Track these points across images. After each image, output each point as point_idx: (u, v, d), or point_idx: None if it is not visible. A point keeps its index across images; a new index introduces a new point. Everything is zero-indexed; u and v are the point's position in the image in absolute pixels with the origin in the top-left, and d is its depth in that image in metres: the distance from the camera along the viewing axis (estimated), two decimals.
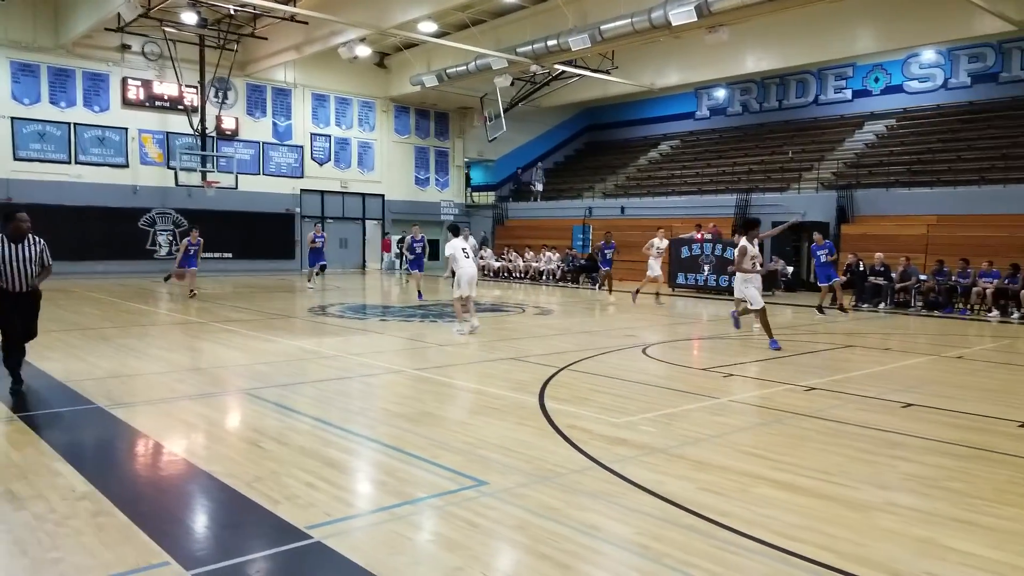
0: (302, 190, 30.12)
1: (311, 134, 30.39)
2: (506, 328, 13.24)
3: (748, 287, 11.35)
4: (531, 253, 28.04)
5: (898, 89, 27.51)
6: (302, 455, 5.43)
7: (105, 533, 4.00)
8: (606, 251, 19.82)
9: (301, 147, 30.10)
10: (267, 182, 29.21)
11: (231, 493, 4.65)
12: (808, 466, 5.33)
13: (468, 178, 36.12)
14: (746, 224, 11.92)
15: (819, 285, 16.53)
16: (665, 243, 18.64)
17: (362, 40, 24.06)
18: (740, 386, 8.34)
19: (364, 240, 32.29)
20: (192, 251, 17.74)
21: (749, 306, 11.43)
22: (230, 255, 27.87)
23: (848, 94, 28.95)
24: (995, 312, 16.37)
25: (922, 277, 18.16)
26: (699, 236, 21.94)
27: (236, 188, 27.49)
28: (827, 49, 23.79)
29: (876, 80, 28.08)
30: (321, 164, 30.74)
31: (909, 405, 7.30)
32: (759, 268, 11.61)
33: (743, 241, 11.42)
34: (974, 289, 16.91)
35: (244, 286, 22.01)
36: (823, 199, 23.25)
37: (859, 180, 23.59)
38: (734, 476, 5.06)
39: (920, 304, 17.76)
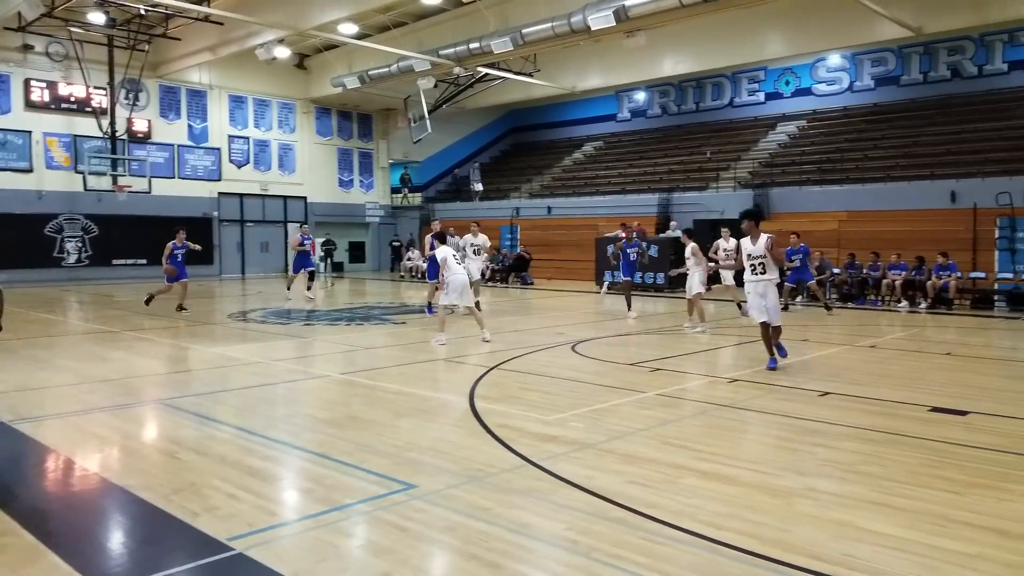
0: (220, 193, 29.24)
1: (229, 136, 29.54)
2: (435, 329, 13.12)
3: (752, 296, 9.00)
4: (459, 253, 27.91)
5: (807, 92, 28.59)
6: (222, 465, 5.25)
7: (7, 555, 3.76)
8: (629, 250, 15.64)
9: (218, 149, 29.22)
10: (183, 185, 28.23)
11: (147, 507, 4.45)
12: (732, 455, 5.46)
13: (407, 179, 35.63)
14: (746, 215, 9.13)
15: (789, 285, 15.91)
16: (732, 243, 14.05)
17: (280, 41, 23.54)
18: (666, 380, 8.48)
19: (286, 244, 31.55)
20: (179, 256, 15.47)
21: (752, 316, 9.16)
22: (144, 261, 26.80)
23: (761, 96, 29.93)
24: (904, 303, 17.17)
25: (835, 271, 18.90)
26: (623, 235, 22.23)
27: (149, 192, 26.45)
28: (740, 53, 24.56)
29: (787, 83, 29.12)
30: (240, 166, 29.91)
31: (826, 394, 7.56)
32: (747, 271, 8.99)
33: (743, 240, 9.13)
34: (884, 281, 17.72)
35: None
36: (740, 197, 23.91)
37: (773, 179, 24.38)
38: (661, 468, 5.13)
39: (835, 296, 18.49)
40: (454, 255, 11.40)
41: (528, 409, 6.93)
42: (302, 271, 19.10)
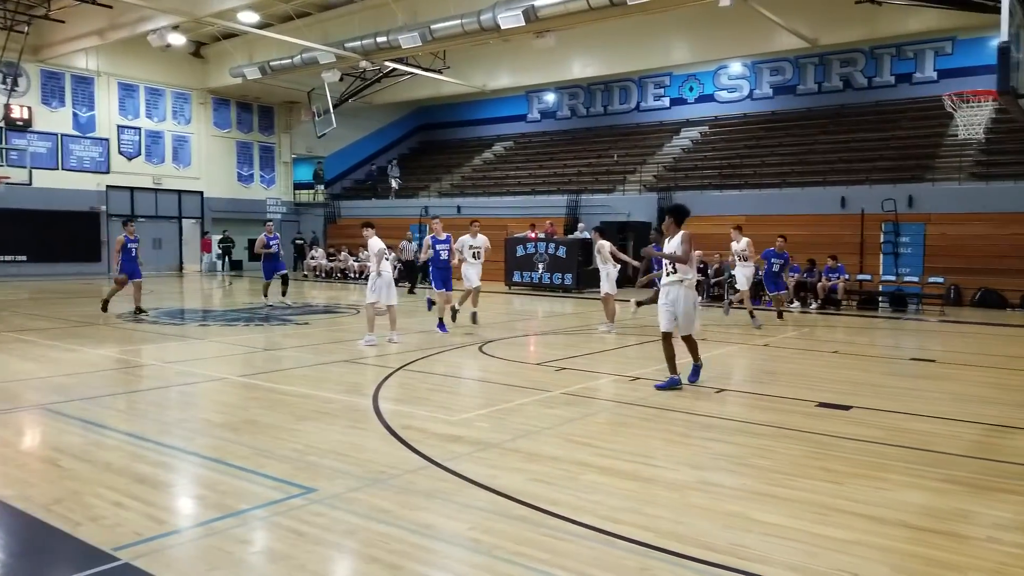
0: (108, 186, 27.78)
1: (118, 126, 28.10)
2: (340, 330, 12.91)
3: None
4: (365, 252, 27.49)
5: (710, 98, 29.63)
6: (108, 472, 4.99)
7: None
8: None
9: (107, 140, 27.76)
10: (67, 177, 26.68)
11: (25, 518, 4.19)
12: (631, 451, 5.59)
13: (320, 174, 34.74)
14: (667, 212, 8.24)
15: (769, 294, 15.54)
16: (743, 242, 14.30)
17: (175, 27, 22.55)
18: (571, 378, 8.59)
19: (181, 240, 30.31)
20: (133, 250, 14.24)
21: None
22: (24, 258, 25.29)
23: (666, 102, 30.80)
24: (796, 303, 17.99)
25: (732, 273, 19.60)
26: (533, 235, 22.48)
27: (30, 184, 24.83)
28: (646, 59, 25.23)
29: (691, 89, 30.08)
30: (130, 159, 28.51)
31: (721, 390, 7.84)
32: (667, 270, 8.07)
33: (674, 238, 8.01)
34: None
35: (42, 291, 19.99)
36: (646, 200, 24.57)
37: (677, 183, 25.13)
38: (564, 465, 5.20)
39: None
40: (384, 249, 11.09)
41: (433, 410, 6.90)
42: (275, 275, 16.71)
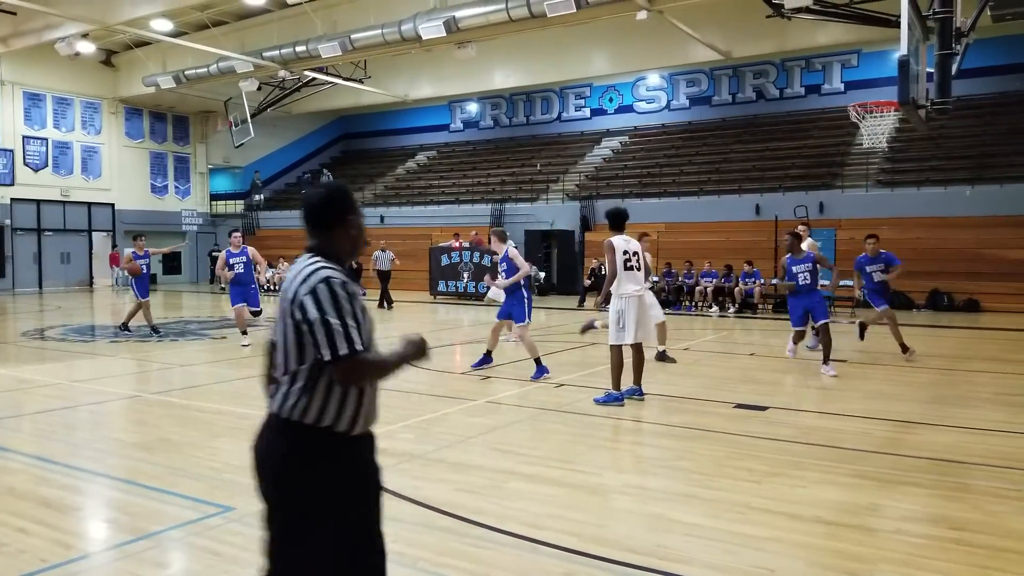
0: (13, 199, 26.35)
1: (23, 136, 26.70)
2: (258, 344, 12.56)
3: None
4: (285, 264, 26.92)
5: (629, 109, 30.23)
6: (11, 497, 4.72)
7: None
8: (794, 268, 9.87)
9: (11, 151, 26.33)
10: None
11: None
12: (555, 457, 5.62)
13: (256, 185, 33.73)
14: (613, 217, 7.72)
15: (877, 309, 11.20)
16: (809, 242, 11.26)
17: (84, 35, 21.62)
18: (497, 387, 8.60)
19: (91, 254, 29.00)
20: (144, 266, 13.30)
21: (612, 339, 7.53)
22: None
23: (587, 112, 31.27)
24: (715, 307, 18.50)
25: (654, 279, 20.03)
26: (457, 245, 22.44)
27: None
28: (567, 70, 25.55)
29: (611, 100, 30.63)
30: (36, 170, 27.13)
31: (644, 394, 7.95)
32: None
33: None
34: (697, 288, 19.03)
35: None
36: (568, 209, 24.86)
37: (599, 192, 25.51)
38: (488, 474, 5.19)
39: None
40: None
41: None
42: (242, 304, 12.38)
